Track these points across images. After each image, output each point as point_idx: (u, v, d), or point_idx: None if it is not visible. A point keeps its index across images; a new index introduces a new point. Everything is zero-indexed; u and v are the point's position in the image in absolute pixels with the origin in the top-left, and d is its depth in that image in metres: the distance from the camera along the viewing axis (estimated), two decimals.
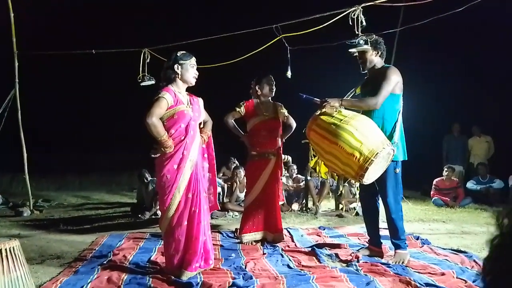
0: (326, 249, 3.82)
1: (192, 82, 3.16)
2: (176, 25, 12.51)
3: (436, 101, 10.12)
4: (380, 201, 3.55)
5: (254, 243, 4.16)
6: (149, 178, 6.18)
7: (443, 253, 3.66)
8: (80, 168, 11.64)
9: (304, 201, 6.62)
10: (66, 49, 7.10)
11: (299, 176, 6.92)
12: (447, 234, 4.72)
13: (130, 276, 3.06)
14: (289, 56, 5.10)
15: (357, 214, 5.91)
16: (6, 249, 2.30)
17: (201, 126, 3.37)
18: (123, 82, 8.07)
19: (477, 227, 5.15)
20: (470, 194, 7.39)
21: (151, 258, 3.54)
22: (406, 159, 3.44)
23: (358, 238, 4.34)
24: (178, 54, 3.12)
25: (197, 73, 3.19)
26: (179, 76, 3.10)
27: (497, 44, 9.36)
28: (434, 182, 7.42)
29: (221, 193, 6.43)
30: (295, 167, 7.04)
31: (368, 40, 3.46)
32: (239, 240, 4.23)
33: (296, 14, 5.14)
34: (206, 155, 3.40)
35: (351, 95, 3.54)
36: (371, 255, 3.58)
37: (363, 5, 4.53)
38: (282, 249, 3.86)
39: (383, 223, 3.75)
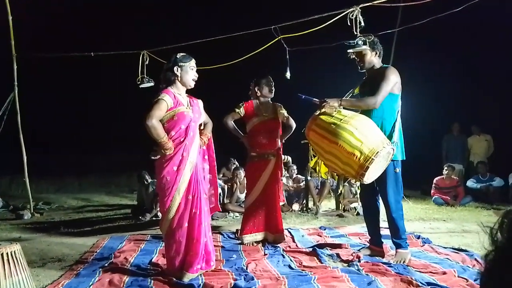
0: (327, 249, 3.83)
1: (191, 84, 3.17)
2: (175, 27, 12.51)
3: (435, 101, 10.14)
4: (381, 201, 3.56)
5: (255, 244, 4.16)
6: (149, 180, 6.18)
7: (444, 252, 3.66)
8: (79, 169, 11.64)
9: (304, 201, 6.62)
10: (65, 51, 7.10)
11: (299, 176, 6.93)
12: (448, 233, 4.72)
13: (132, 278, 3.06)
14: (287, 57, 5.10)
15: (357, 213, 5.91)
16: (7, 253, 2.30)
17: (201, 128, 3.37)
18: (122, 84, 8.07)
19: (477, 225, 5.15)
20: (470, 192, 7.40)
21: (153, 260, 3.54)
22: (404, 158, 3.45)
23: (359, 238, 4.34)
24: (178, 56, 3.13)
25: (197, 75, 3.19)
26: (179, 78, 3.10)
27: (495, 43, 9.38)
28: (434, 181, 7.43)
29: (222, 194, 6.43)
30: (295, 167, 7.05)
31: (367, 40, 3.46)
32: (240, 241, 4.23)
33: (295, 15, 5.15)
34: (206, 157, 3.40)
35: (350, 95, 3.54)
36: (372, 254, 3.59)
37: (361, 5, 4.54)
38: (283, 250, 3.87)
39: (383, 223, 3.76)
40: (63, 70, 12.70)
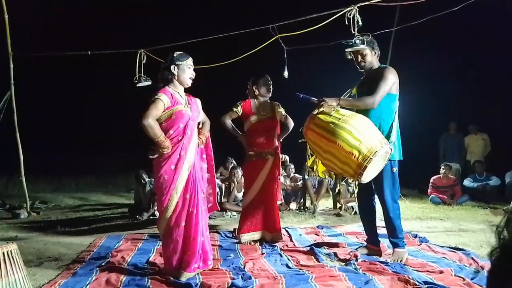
0: (324, 248, 3.83)
1: (188, 83, 3.16)
2: (173, 25, 12.47)
3: (432, 100, 10.16)
4: (377, 200, 3.57)
5: (252, 243, 4.16)
6: (147, 179, 6.17)
7: (441, 251, 3.67)
8: (76, 169, 11.61)
9: (302, 200, 6.63)
10: (62, 50, 7.07)
11: (297, 175, 6.93)
12: (445, 232, 4.74)
13: (129, 277, 3.06)
14: (285, 56, 5.11)
15: (355, 213, 5.92)
16: (4, 253, 2.29)
17: (199, 127, 3.37)
18: (120, 83, 8.04)
19: (474, 224, 5.17)
20: (467, 191, 7.44)
21: (150, 259, 3.54)
22: (402, 158, 3.45)
23: (357, 237, 4.35)
24: (175, 55, 3.12)
25: (194, 74, 3.18)
26: (176, 77, 3.10)
27: (493, 43, 9.40)
28: (431, 180, 7.45)
29: (219, 193, 6.42)
30: (292, 166, 7.05)
31: (365, 40, 3.46)
32: (237, 240, 4.23)
33: (292, 14, 5.14)
34: (204, 156, 3.40)
35: (347, 95, 3.54)
36: (370, 253, 3.59)
37: (359, 4, 4.54)
38: (280, 249, 3.87)
39: (380, 222, 3.76)
40: (60, 69, 12.65)
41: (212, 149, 3.47)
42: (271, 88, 4.28)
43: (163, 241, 3.15)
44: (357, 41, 3.48)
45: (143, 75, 5.70)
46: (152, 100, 2.99)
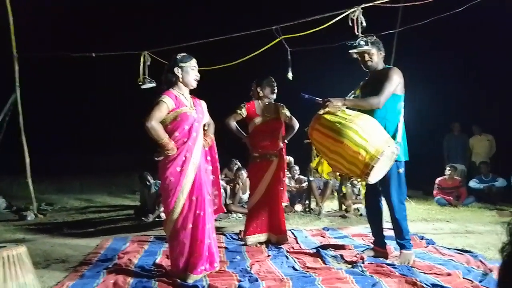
0: (330, 250, 3.82)
1: (193, 84, 3.16)
2: (176, 27, 12.51)
3: (436, 101, 10.13)
4: (384, 202, 3.56)
5: (258, 245, 4.16)
6: (151, 181, 6.18)
7: (448, 253, 3.65)
8: (80, 170, 11.66)
9: (307, 202, 6.62)
10: (66, 52, 7.10)
11: (301, 177, 6.92)
12: (451, 234, 4.72)
13: (136, 279, 3.06)
14: (289, 57, 5.10)
15: (360, 214, 5.91)
16: (13, 255, 2.30)
17: (204, 128, 3.37)
18: (123, 85, 8.07)
19: (481, 226, 5.14)
20: (473, 193, 7.39)
21: (156, 261, 3.54)
22: (408, 159, 3.45)
23: (363, 239, 4.33)
24: (178, 57, 3.12)
25: (198, 75, 3.18)
26: (180, 79, 3.10)
27: (497, 43, 9.37)
28: (437, 181, 7.42)
29: (224, 195, 6.43)
30: (297, 168, 7.04)
31: (369, 41, 3.46)
32: (243, 242, 4.23)
33: (296, 15, 5.14)
34: (209, 158, 3.40)
35: (351, 96, 3.53)
36: (376, 256, 3.58)
37: (362, 5, 4.54)
38: (286, 251, 3.86)
39: (387, 224, 3.75)
40: (65, 71, 12.71)
41: (216, 151, 3.47)
42: (276, 89, 4.29)
43: (170, 243, 3.15)
44: (361, 42, 3.47)
45: (147, 77, 5.72)
46: (156, 103, 2.99)
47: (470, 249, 3.82)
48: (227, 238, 4.54)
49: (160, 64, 5.47)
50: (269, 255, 3.72)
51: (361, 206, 5.80)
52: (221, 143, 3.62)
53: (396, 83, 3.29)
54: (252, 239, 4.19)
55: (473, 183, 7.64)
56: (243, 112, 4.22)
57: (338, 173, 3.55)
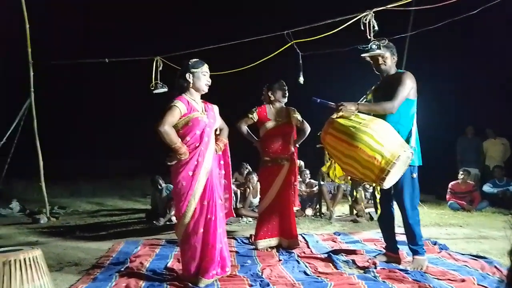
0: (342, 255, 3.79)
1: (205, 89, 3.18)
2: (188, 33, 12.62)
3: (449, 104, 10.03)
4: (396, 206, 3.52)
5: (269, 249, 4.15)
6: (163, 185, 6.22)
7: (462, 259, 3.59)
8: (92, 174, 11.78)
9: (317, 206, 6.59)
10: (79, 58, 7.22)
11: (312, 181, 6.90)
12: (465, 239, 4.65)
13: (148, 283, 3.08)
14: (300, 62, 5.11)
15: (371, 219, 5.86)
16: (29, 258, 2.35)
17: (217, 133, 3.39)
18: (136, 90, 8.15)
19: (495, 231, 5.05)
20: (486, 197, 7.29)
21: (168, 265, 3.56)
22: (421, 164, 3.41)
23: (374, 244, 4.30)
24: (190, 63, 3.15)
25: (210, 81, 3.20)
26: (191, 84, 3.12)
27: (510, 45, 9.23)
28: (450, 185, 7.33)
29: (234, 199, 6.44)
30: (308, 172, 7.02)
31: (381, 44, 3.44)
32: (254, 246, 4.22)
33: (307, 20, 5.15)
34: (222, 162, 3.42)
35: (363, 101, 3.52)
36: (388, 261, 3.54)
37: (374, 9, 4.52)
38: (297, 256, 3.85)
39: (399, 229, 3.71)
40: (78, 77, 12.89)
41: (229, 156, 3.48)
42: (287, 93, 4.29)
43: (181, 247, 3.17)
44: (373, 46, 3.46)
45: (159, 82, 5.78)
46: (169, 107, 3.02)
47: (485, 255, 3.75)
48: (238, 242, 4.54)
49: (172, 70, 5.52)
50: (280, 260, 3.71)
51: (372, 210, 5.75)
52: (232, 147, 3.63)
53: (409, 87, 3.27)
54: (263, 243, 4.19)
55: (487, 188, 7.53)
56: (254, 116, 4.24)
57: (349, 178, 3.53)
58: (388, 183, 3.02)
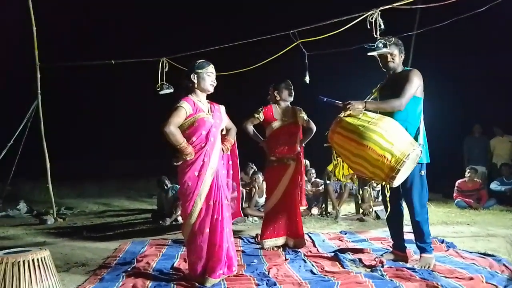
0: (349, 254, 3.77)
1: (210, 90, 3.18)
2: (194, 33, 12.64)
3: (456, 102, 9.97)
4: (404, 204, 3.51)
5: (275, 249, 4.15)
6: (169, 185, 6.24)
7: (470, 257, 3.57)
8: (98, 174, 11.86)
9: (323, 205, 6.58)
10: (85, 60, 7.27)
11: (318, 180, 6.88)
12: (472, 237, 4.61)
13: (155, 283, 3.09)
14: (306, 61, 5.10)
15: (377, 217, 5.84)
16: (38, 259, 2.37)
17: (223, 133, 3.39)
18: (142, 90, 8.19)
19: (503, 229, 5.02)
20: (494, 195, 7.24)
21: (174, 265, 3.56)
22: (429, 161, 3.40)
23: (381, 243, 4.28)
24: (195, 64, 3.15)
25: (215, 81, 3.20)
26: (196, 85, 3.13)
27: None
28: (457, 183, 7.29)
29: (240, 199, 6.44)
30: (313, 171, 7.01)
31: (388, 43, 3.43)
32: (260, 246, 4.22)
33: (313, 19, 5.14)
34: (230, 162, 3.42)
35: (370, 99, 3.51)
36: (396, 259, 3.53)
37: (380, 8, 4.51)
38: (304, 255, 3.84)
39: (406, 227, 3.69)
40: (85, 78, 12.97)
41: (238, 156, 3.49)
42: (293, 93, 4.29)
43: (188, 247, 3.18)
44: (380, 45, 3.45)
45: (165, 83, 5.80)
46: (174, 108, 3.03)
47: (493, 253, 3.72)
48: (244, 241, 4.54)
49: (178, 70, 5.54)
50: (286, 259, 3.71)
51: (379, 209, 5.72)
52: (237, 147, 3.64)
53: (416, 85, 3.26)
54: (269, 242, 4.19)
55: (494, 185, 7.48)
56: (261, 116, 4.24)
57: (355, 176, 3.52)
58: (398, 181, 3.01)
